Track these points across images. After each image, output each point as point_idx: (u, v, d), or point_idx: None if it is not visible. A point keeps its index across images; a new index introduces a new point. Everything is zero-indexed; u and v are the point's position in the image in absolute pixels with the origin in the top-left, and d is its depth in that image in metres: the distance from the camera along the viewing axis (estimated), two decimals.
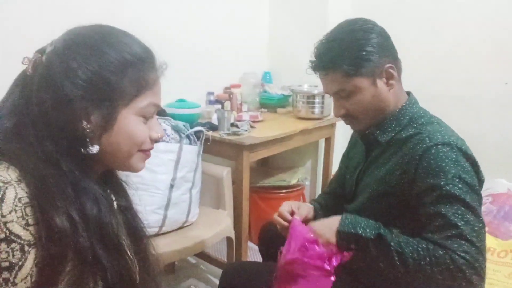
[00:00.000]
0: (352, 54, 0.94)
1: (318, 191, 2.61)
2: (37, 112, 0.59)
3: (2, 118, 0.61)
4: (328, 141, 2.44)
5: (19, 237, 0.52)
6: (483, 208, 1.77)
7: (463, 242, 0.82)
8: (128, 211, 0.67)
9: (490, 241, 1.72)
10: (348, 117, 1.02)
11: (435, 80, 2.24)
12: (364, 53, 0.94)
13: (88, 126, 0.61)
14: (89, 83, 0.60)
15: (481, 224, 0.85)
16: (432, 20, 2.22)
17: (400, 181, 0.94)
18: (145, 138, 0.68)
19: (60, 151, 0.59)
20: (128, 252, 0.67)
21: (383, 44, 0.97)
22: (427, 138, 0.91)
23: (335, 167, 2.55)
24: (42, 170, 0.56)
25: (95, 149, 0.63)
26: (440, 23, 2.20)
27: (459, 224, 0.82)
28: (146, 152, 0.70)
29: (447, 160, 0.87)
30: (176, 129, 1.63)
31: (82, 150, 0.62)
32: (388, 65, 0.96)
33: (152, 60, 0.68)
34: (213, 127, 1.86)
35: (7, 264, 0.52)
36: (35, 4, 1.52)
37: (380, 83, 0.97)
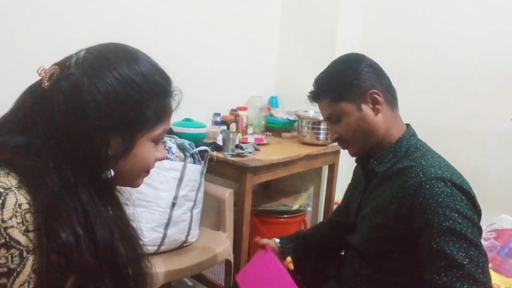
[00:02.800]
0: (337, 82, 1.03)
1: (320, 217, 2.58)
2: (59, 135, 0.59)
3: (12, 131, 0.60)
4: (332, 168, 2.43)
5: (18, 242, 0.52)
6: (487, 243, 1.74)
7: (471, 281, 0.80)
8: (121, 220, 0.68)
9: (494, 277, 1.67)
10: (341, 141, 1.08)
11: (440, 113, 2.25)
12: (348, 80, 1.01)
13: (109, 152, 0.62)
14: (115, 111, 0.61)
15: (484, 258, 0.84)
16: (439, 54, 2.25)
17: (396, 215, 0.93)
18: (153, 161, 0.70)
19: (79, 175, 0.59)
20: (127, 267, 0.67)
21: (370, 73, 1.02)
22: (420, 173, 0.91)
23: (338, 194, 2.53)
24: (54, 188, 0.56)
25: (111, 173, 0.64)
26: (447, 57, 2.23)
27: (465, 263, 0.81)
28: (148, 172, 0.72)
29: (442, 195, 0.86)
30: (181, 148, 1.64)
31: (102, 175, 0.63)
32: (372, 90, 1.00)
33: (171, 90, 0.70)
34: (218, 147, 1.87)
35: (5, 270, 0.51)
36: (48, 22, 1.56)
37: (366, 108, 1.01)
